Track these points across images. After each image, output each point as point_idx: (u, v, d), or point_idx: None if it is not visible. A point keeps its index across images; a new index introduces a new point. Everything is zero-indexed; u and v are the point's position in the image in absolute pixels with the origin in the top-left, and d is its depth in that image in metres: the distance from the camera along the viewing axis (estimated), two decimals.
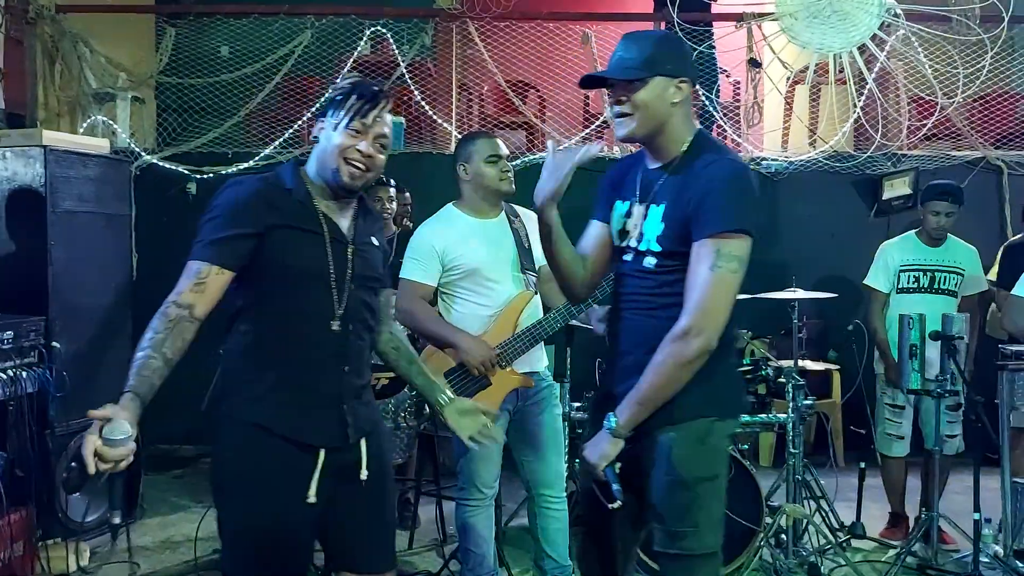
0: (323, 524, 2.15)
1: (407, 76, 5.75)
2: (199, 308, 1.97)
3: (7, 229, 3.96)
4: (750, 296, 3.35)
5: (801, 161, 5.77)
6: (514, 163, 4.07)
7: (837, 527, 4.24)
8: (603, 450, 2.12)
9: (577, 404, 4.07)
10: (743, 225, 2.04)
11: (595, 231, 2.35)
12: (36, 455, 3.67)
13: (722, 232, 2.02)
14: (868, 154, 5.73)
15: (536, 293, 3.25)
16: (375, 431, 2.24)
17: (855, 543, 4.22)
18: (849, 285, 4.90)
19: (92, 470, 1.71)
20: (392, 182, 4.38)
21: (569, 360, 3.95)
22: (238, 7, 5.98)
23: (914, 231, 4.40)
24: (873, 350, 4.48)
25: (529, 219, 3.20)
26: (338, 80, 5.49)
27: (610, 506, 2.10)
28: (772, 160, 5.73)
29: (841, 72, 5.60)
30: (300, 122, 5.73)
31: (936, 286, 4.27)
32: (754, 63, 5.81)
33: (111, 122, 5.68)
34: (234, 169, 5.62)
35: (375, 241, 2.25)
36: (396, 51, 5.80)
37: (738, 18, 5.83)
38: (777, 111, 6.20)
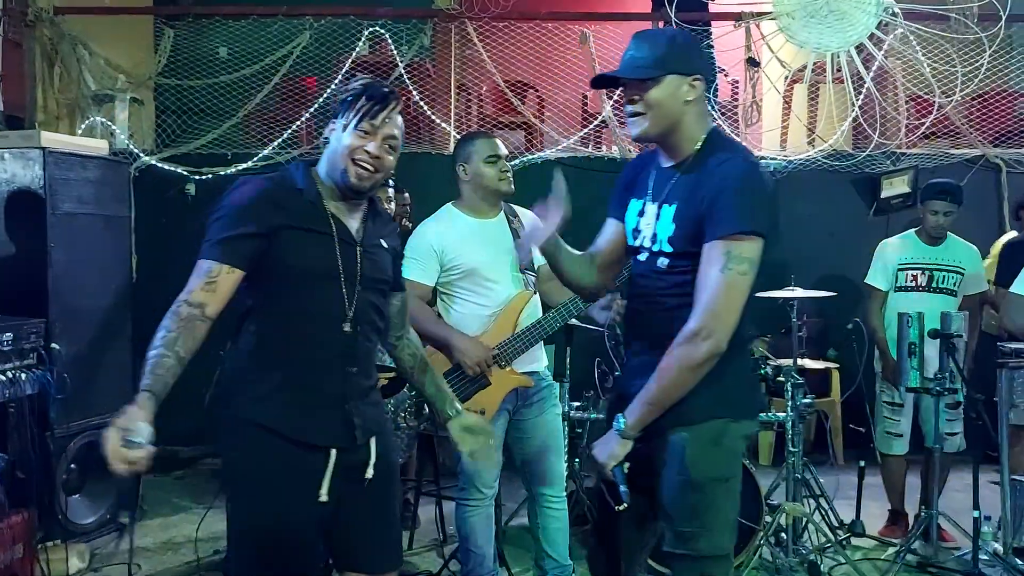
0: (329, 524, 2.15)
1: (406, 77, 5.75)
2: (211, 307, 1.97)
3: (7, 231, 3.97)
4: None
5: (800, 160, 5.77)
6: (513, 163, 4.07)
7: (837, 525, 4.24)
8: (611, 450, 2.12)
9: (577, 404, 4.08)
10: (754, 227, 2.01)
11: (611, 229, 2.34)
12: (36, 457, 3.67)
13: (733, 234, 1.99)
14: (867, 153, 5.74)
15: (535, 293, 3.25)
16: (383, 431, 2.24)
17: (855, 541, 4.23)
18: (848, 284, 4.90)
19: (118, 470, 1.72)
20: (391, 182, 4.37)
21: (569, 360, 3.96)
22: (236, 8, 5.98)
23: (914, 230, 4.40)
24: (873, 349, 4.48)
25: (528, 219, 3.20)
26: (337, 81, 5.57)
27: (616, 508, 2.11)
28: (771, 159, 5.72)
29: (839, 71, 5.61)
30: (299, 123, 5.74)
31: (935, 285, 4.26)
32: (752, 62, 5.80)
33: (110, 124, 5.68)
34: (233, 170, 5.60)
35: (385, 243, 2.25)
36: (395, 52, 5.79)
37: (736, 17, 5.82)
38: (775, 110, 6.19)
